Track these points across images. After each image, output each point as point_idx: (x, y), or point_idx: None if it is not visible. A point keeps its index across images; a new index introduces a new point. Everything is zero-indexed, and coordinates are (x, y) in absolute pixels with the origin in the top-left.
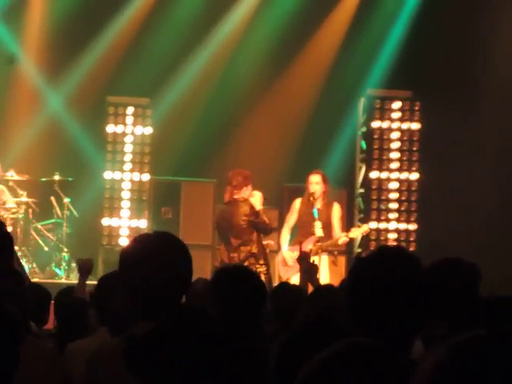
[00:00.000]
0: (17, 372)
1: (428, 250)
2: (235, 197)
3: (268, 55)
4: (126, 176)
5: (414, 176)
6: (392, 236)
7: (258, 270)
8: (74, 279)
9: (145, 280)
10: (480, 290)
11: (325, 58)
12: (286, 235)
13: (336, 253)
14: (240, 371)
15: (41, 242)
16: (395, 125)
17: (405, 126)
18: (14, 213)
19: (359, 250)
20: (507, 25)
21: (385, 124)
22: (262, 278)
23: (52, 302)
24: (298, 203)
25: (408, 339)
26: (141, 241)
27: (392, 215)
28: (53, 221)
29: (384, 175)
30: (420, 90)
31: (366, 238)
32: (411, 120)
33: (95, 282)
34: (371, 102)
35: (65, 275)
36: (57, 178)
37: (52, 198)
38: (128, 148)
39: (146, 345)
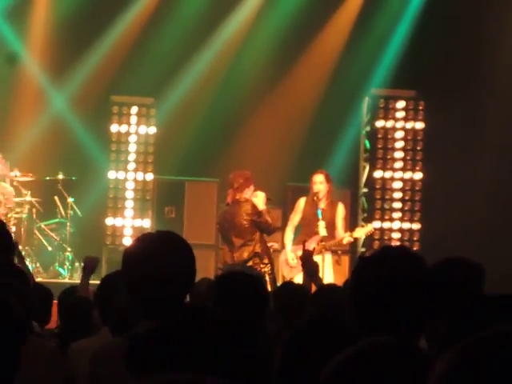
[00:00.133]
0: (18, 371)
1: (431, 249)
2: (237, 197)
3: (272, 55)
4: (129, 176)
5: (418, 175)
6: (395, 235)
7: (263, 270)
8: (77, 279)
9: (148, 279)
10: (484, 289)
11: (329, 58)
12: (289, 234)
13: (339, 252)
14: (242, 372)
15: (44, 241)
16: (399, 124)
17: (409, 125)
18: (17, 212)
19: (363, 250)
20: None
21: (389, 123)
22: (267, 277)
23: (54, 301)
24: (302, 202)
25: (411, 338)
26: (144, 240)
27: (396, 215)
28: (56, 220)
29: (388, 175)
30: (424, 90)
31: (369, 238)
32: (415, 119)
33: (98, 282)
34: (375, 102)
35: (68, 275)
36: (60, 177)
37: (56, 198)
38: (132, 148)
39: (144, 344)
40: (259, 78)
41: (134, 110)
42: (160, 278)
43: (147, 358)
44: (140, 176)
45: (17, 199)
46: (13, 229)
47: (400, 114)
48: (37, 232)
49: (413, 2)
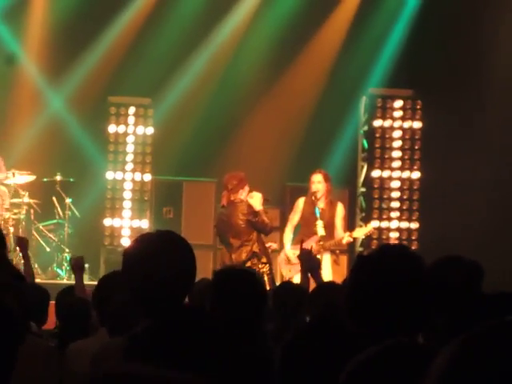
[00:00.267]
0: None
1: (430, 248)
2: (232, 199)
3: (269, 54)
4: (127, 176)
5: (416, 175)
6: (394, 235)
7: (261, 270)
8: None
9: (148, 279)
10: (483, 288)
11: (326, 57)
12: (288, 234)
13: (338, 252)
14: (241, 371)
15: (42, 242)
16: (397, 123)
17: (406, 124)
18: (15, 213)
19: (361, 249)
20: (510, 24)
21: (386, 123)
22: (265, 277)
23: (51, 302)
24: (301, 202)
25: (410, 337)
26: (143, 240)
27: (394, 214)
28: (54, 221)
29: (386, 174)
30: (421, 89)
31: (367, 237)
32: (413, 119)
33: (96, 283)
34: (373, 101)
35: (66, 276)
36: (58, 178)
37: (54, 199)
38: (129, 148)
39: (142, 344)
40: (256, 78)
41: (132, 110)
42: (161, 278)
43: (146, 356)
44: (138, 176)
45: (15, 200)
46: (11, 230)
47: (397, 114)
48: (35, 233)
49: (410, 2)
